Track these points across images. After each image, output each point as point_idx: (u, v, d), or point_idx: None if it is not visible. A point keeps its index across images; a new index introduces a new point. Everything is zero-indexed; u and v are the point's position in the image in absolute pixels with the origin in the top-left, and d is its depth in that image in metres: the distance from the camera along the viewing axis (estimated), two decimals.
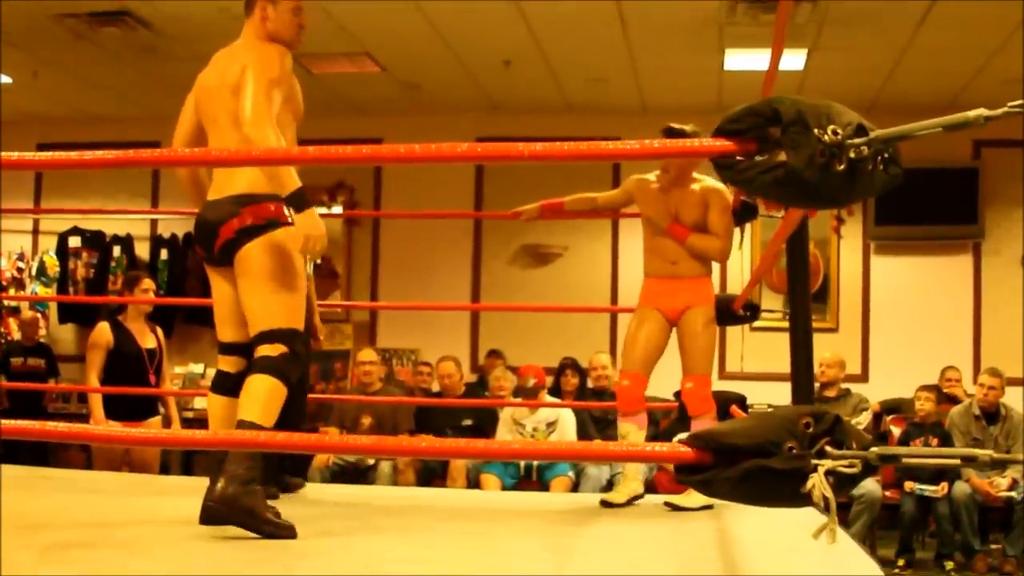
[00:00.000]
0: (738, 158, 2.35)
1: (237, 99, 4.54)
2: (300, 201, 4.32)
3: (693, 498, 5.74)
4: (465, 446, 2.47)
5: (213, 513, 4.19)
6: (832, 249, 11.80)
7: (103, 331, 8.12)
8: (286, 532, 4.23)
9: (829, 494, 2.15)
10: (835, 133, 2.25)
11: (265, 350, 4.38)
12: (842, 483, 2.20)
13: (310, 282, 6.51)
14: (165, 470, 9.88)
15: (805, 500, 2.18)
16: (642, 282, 6.21)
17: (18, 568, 3.54)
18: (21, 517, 4.96)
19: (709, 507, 5.72)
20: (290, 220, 4.42)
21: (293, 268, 4.49)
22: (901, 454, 2.23)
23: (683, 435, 7.31)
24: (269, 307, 4.42)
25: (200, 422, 9.27)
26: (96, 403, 7.91)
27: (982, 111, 2.19)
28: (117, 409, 7.91)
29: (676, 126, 5.90)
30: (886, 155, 2.34)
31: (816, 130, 2.25)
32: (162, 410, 8.65)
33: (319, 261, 6.66)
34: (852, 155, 2.26)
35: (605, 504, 5.89)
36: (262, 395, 4.27)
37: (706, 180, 6.06)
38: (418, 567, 3.89)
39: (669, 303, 5.99)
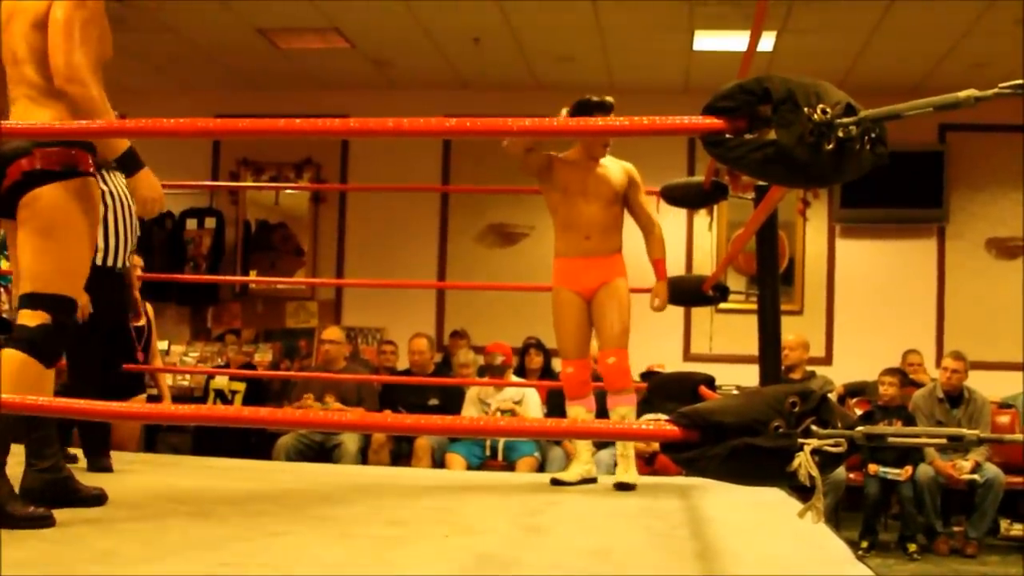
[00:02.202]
0: (727, 136, 2.34)
1: (44, 37, 4.00)
2: (132, 162, 4.06)
3: (571, 472, 5.93)
4: (439, 422, 2.46)
5: None
6: (798, 232, 11.84)
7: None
8: (39, 523, 3.84)
9: (815, 473, 2.15)
10: (824, 112, 2.25)
11: (25, 317, 3.86)
12: (827, 462, 2.20)
13: (131, 254, 6.33)
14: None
15: (791, 478, 2.18)
16: (552, 263, 6.13)
17: None
18: None
19: (591, 480, 5.90)
20: (92, 172, 4.01)
21: (79, 226, 3.95)
22: (888, 433, 2.24)
23: (650, 415, 7.36)
24: (41, 266, 3.88)
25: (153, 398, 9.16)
26: None
27: (973, 92, 2.19)
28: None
29: (595, 98, 5.92)
30: (873, 135, 2.34)
31: (806, 109, 2.24)
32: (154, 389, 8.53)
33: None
34: (841, 134, 2.26)
35: (555, 482, 5.91)
36: (7, 374, 3.71)
37: (613, 159, 6.08)
38: (392, 546, 3.88)
39: (584, 282, 5.97)
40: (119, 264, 6.02)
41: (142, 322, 8.10)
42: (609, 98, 5.91)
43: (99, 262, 5.86)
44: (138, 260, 8.06)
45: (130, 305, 6.68)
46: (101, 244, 5.86)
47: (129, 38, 10.65)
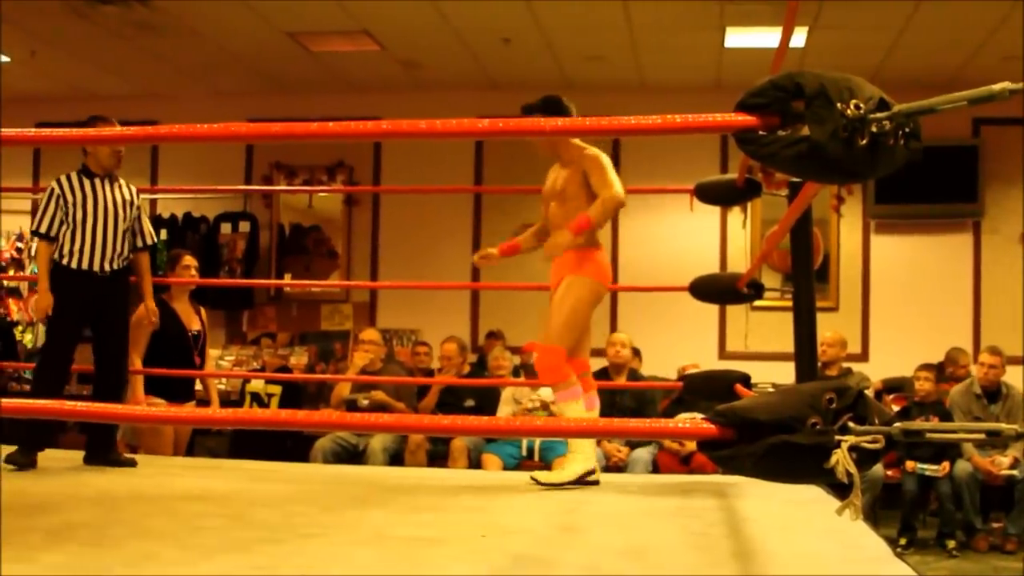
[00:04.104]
0: (760, 132, 2.33)
1: None
2: None
3: (563, 473, 5.70)
4: (475, 423, 2.45)
5: None
6: (832, 228, 11.79)
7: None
8: None
9: (853, 470, 2.13)
10: (857, 107, 2.23)
11: None
12: (865, 458, 2.19)
13: (143, 259, 6.75)
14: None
15: (828, 476, 2.17)
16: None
17: (27, 548, 3.53)
18: (26, 498, 4.96)
19: (591, 482, 5.67)
20: None
21: None
22: (926, 429, 2.22)
23: (685, 414, 7.34)
24: None
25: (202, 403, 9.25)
26: (138, 386, 7.68)
27: (1007, 84, 2.17)
28: (160, 391, 7.76)
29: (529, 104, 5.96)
30: (907, 129, 2.32)
31: (839, 104, 2.23)
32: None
33: (154, 239, 6.71)
34: (874, 129, 2.24)
35: (536, 481, 5.75)
36: None
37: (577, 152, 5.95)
38: (426, 546, 3.88)
39: (554, 280, 5.92)
40: (104, 268, 6.43)
41: (197, 327, 8.10)
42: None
43: (78, 266, 6.39)
44: (192, 261, 8.09)
45: (128, 310, 6.80)
46: (77, 248, 6.36)
47: (160, 43, 10.73)
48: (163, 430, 7.82)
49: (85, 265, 6.36)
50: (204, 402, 8.47)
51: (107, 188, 6.53)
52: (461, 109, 11.30)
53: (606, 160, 5.86)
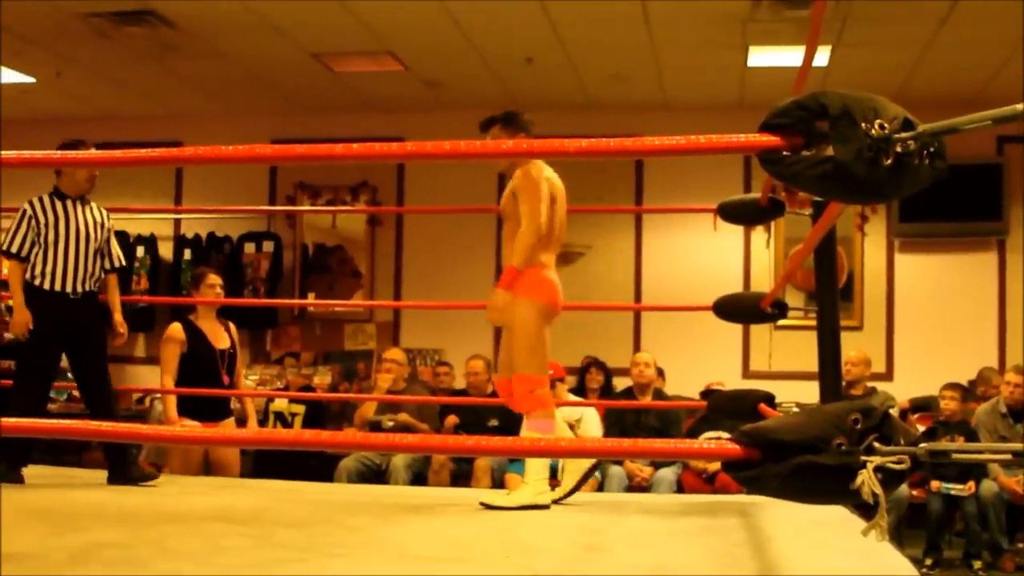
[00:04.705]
0: (784, 153, 2.33)
1: None
2: None
3: (512, 497, 5.65)
4: (499, 443, 2.45)
5: None
6: (856, 247, 11.75)
7: (175, 333, 7.94)
8: None
9: (879, 490, 2.13)
10: (882, 127, 2.24)
11: None
12: (891, 479, 2.18)
13: (112, 279, 6.91)
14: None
15: (854, 496, 2.16)
16: None
17: (49, 568, 3.54)
18: (50, 517, 4.97)
19: (540, 506, 5.60)
20: None
21: None
22: (952, 450, 2.22)
23: (709, 433, 7.32)
24: None
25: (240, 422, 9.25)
26: (170, 404, 7.77)
27: None
28: (191, 411, 7.78)
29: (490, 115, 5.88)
30: (931, 149, 2.32)
31: (863, 124, 2.23)
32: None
33: (122, 262, 6.89)
34: (899, 149, 2.24)
35: (486, 505, 5.71)
36: None
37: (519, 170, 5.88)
38: (450, 565, 3.87)
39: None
40: (76, 289, 6.57)
41: (225, 345, 8.11)
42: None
43: (51, 287, 6.52)
44: (216, 279, 8.13)
45: (103, 328, 6.88)
46: (50, 270, 6.50)
47: (184, 64, 10.78)
48: (190, 451, 7.85)
49: (58, 287, 6.50)
50: (243, 421, 8.52)
51: (79, 210, 6.66)
52: None
53: (540, 182, 5.81)
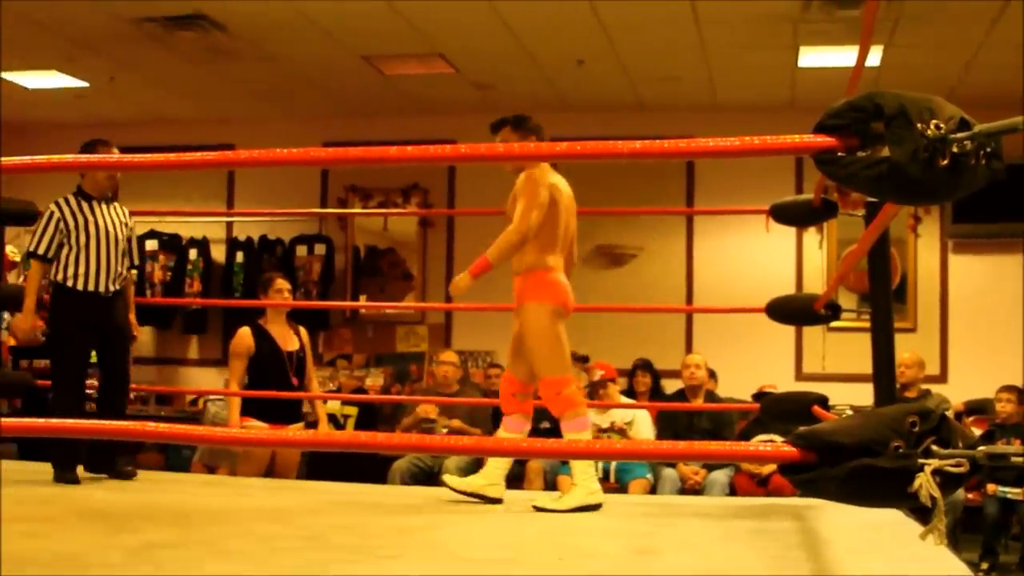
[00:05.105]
0: (840, 154, 2.31)
1: None
2: None
3: (564, 501, 5.68)
4: (552, 446, 2.45)
5: None
6: (909, 248, 11.66)
7: (244, 337, 8.03)
8: None
9: (937, 494, 2.11)
10: (938, 127, 2.22)
11: None
12: (948, 482, 2.16)
13: (129, 281, 6.93)
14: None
15: (911, 499, 2.15)
16: None
17: (105, 568, 3.57)
18: (106, 517, 5.01)
19: (593, 507, 5.64)
20: None
21: None
22: (1011, 453, 2.20)
23: (762, 436, 7.28)
24: None
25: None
26: (233, 407, 7.88)
27: None
28: (258, 413, 7.87)
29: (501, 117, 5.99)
30: (988, 149, 2.29)
31: (919, 124, 2.21)
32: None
33: (137, 265, 6.98)
34: (955, 150, 2.22)
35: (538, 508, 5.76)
36: None
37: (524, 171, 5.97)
38: (502, 567, 3.88)
39: (518, 300, 6.03)
40: (101, 289, 6.59)
41: (294, 347, 8.16)
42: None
43: (84, 287, 6.55)
44: (284, 284, 8.18)
45: (126, 328, 6.95)
46: (82, 271, 6.53)
47: (235, 68, 10.84)
48: (253, 454, 7.92)
49: (91, 287, 6.55)
50: (313, 424, 8.62)
51: (104, 210, 6.70)
52: None
53: (540, 187, 5.92)
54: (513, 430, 5.93)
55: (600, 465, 9.13)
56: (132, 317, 7.01)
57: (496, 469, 5.98)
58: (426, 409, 9.69)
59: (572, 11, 9.18)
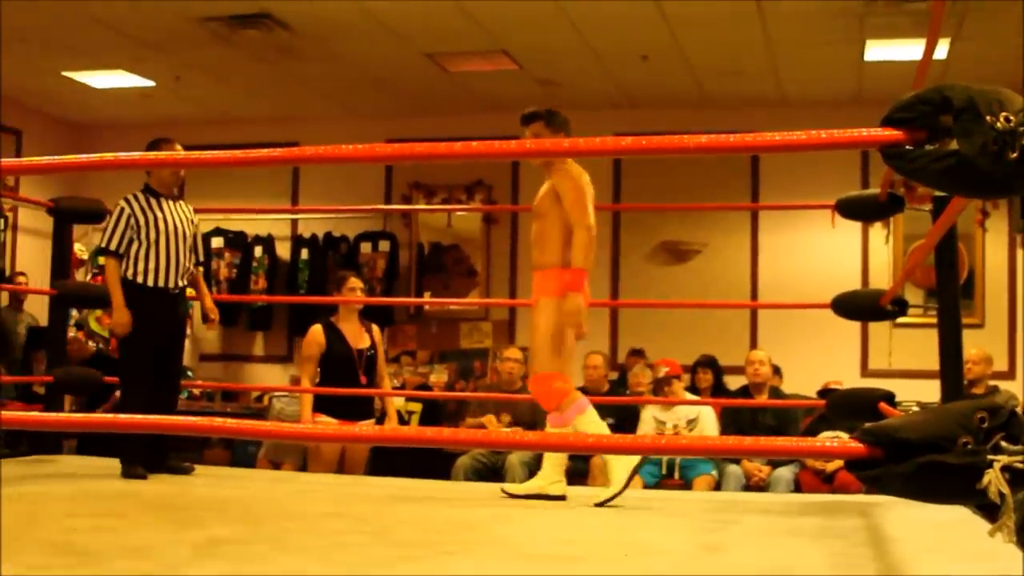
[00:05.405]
0: (908, 147, 2.29)
1: None
2: None
3: (611, 489, 5.69)
4: (615, 441, 2.44)
5: None
6: (977, 243, 11.55)
7: (315, 335, 8.10)
8: None
9: (1006, 490, 2.09)
10: (1008, 120, 2.19)
11: None
12: (1017, 479, 2.14)
13: (198, 271, 7.03)
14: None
15: (979, 496, 2.13)
16: None
17: (171, 564, 3.60)
18: (173, 512, 5.05)
19: (556, 497, 5.75)
20: None
21: None
22: None
23: (828, 432, 7.23)
24: None
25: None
26: (306, 404, 7.96)
27: None
28: (329, 409, 7.94)
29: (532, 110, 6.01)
30: None
31: (988, 117, 2.18)
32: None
33: (202, 262, 7.07)
34: None
35: (506, 494, 5.94)
36: None
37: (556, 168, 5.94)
38: (568, 564, 3.87)
39: (535, 295, 6.02)
40: (170, 284, 6.66)
41: (365, 345, 8.21)
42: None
43: (151, 283, 6.61)
44: (358, 283, 8.23)
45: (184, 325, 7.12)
46: (152, 267, 6.58)
47: (300, 66, 10.90)
48: (323, 452, 7.98)
49: (161, 283, 6.61)
50: (382, 421, 8.71)
51: (171, 207, 6.76)
52: (598, 127, 11.25)
53: (580, 181, 5.91)
54: (558, 424, 5.92)
55: (665, 461, 9.13)
56: (209, 303, 7.08)
57: (553, 468, 5.97)
58: (490, 420, 9.68)
59: (636, 7, 9.17)
